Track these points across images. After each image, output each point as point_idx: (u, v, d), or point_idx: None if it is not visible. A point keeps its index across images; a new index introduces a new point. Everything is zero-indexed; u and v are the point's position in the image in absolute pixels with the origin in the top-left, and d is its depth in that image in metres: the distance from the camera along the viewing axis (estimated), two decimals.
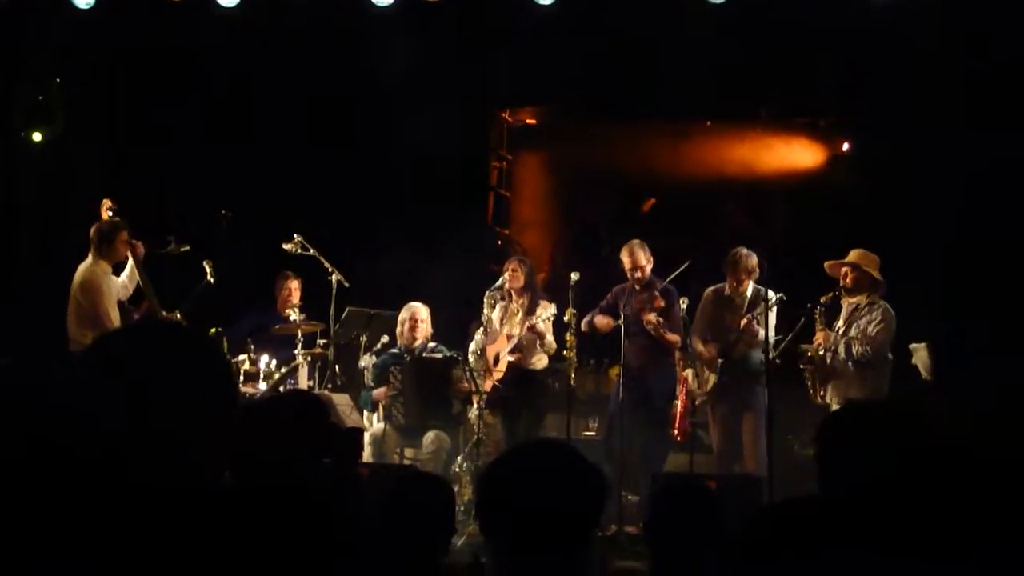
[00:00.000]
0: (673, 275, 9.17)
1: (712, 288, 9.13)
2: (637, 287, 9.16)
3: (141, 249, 8.89)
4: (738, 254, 8.95)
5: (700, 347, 8.97)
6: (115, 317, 8.53)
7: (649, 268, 9.19)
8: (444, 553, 4.15)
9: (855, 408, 2.65)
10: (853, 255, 8.54)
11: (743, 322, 8.75)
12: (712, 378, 8.91)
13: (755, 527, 2.57)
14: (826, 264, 8.69)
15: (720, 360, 8.87)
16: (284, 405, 3.87)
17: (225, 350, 9.18)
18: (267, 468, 3.27)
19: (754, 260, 8.92)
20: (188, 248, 9.20)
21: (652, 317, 8.96)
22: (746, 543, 2.53)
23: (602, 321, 9.17)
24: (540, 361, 9.37)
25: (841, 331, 8.48)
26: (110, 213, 8.84)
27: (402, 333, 9.52)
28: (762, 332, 8.59)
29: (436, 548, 4.03)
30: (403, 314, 9.54)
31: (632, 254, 9.18)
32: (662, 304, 9.00)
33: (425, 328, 9.54)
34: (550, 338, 9.25)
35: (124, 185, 9.74)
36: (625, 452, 8.79)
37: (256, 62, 10.73)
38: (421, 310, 9.54)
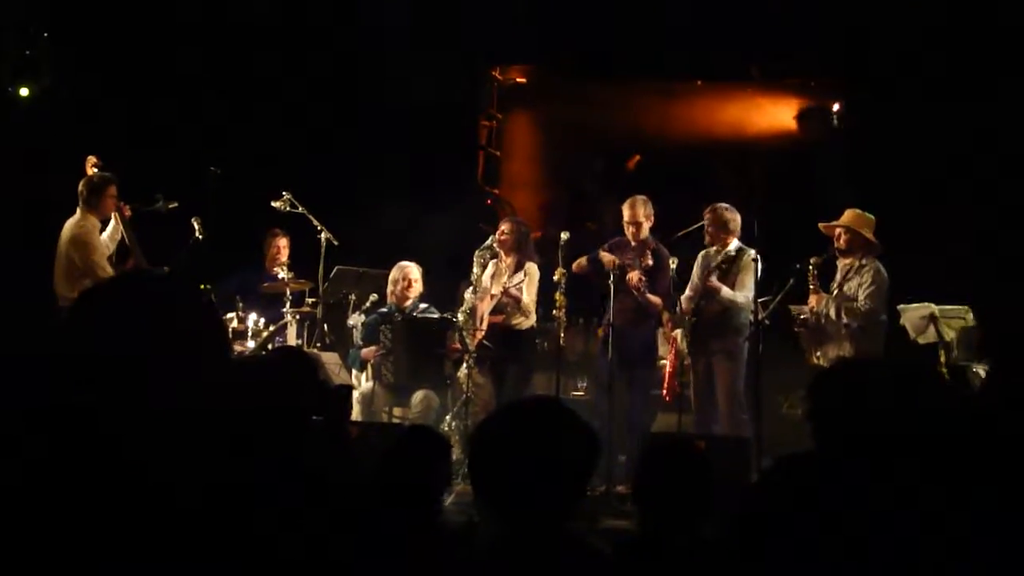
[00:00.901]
0: (683, 232, 9.09)
1: (704, 251, 9.10)
2: (633, 242, 9.11)
3: (128, 211, 8.84)
4: (715, 209, 8.90)
5: (681, 306, 8.95)
6: (108, 271, 8.47)
7: (647, 227, 9.11)
8: (439, 511, 4.15)
9: (845, 366, 2.65)
10: (847, 216, 8.52)
11: (703, 279, 8.71)
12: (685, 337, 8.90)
13: (754, 493, 2.56)
14: (820, 225, 8.66)
15: (693, 319, 8.82)
16: (274, 362, 3.85)
17: None
18: (261, 424, 3.25)
19: (732, 215, 8.83)
20: (176, 205, 9.16)
21: (635, 276, 8.87)
22: (744, 508, 2.52)
23: (608, 256, 9.06)
24: (525, 321, 9.31)
25: (835, 293, 8.47)
26: (95, 170, 8.79)
27: (393, 292, 9.50)
28: (726, 290, 8.56)
29: (433, 504, 4.04)
30: (395, 273, 9.52)
31: (632, 207, 9.11)
32: (650, 263, 8.94)
33: (417, 287, 9.52)
34: (527, 300, 9.15)
35: (111, 141, 9.66)
36: (614, 412, 8.79)
37: (246, 15, 10.65)
38: (413, 269, 9.52)
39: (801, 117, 11.90)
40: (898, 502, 2.18)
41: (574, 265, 9.05)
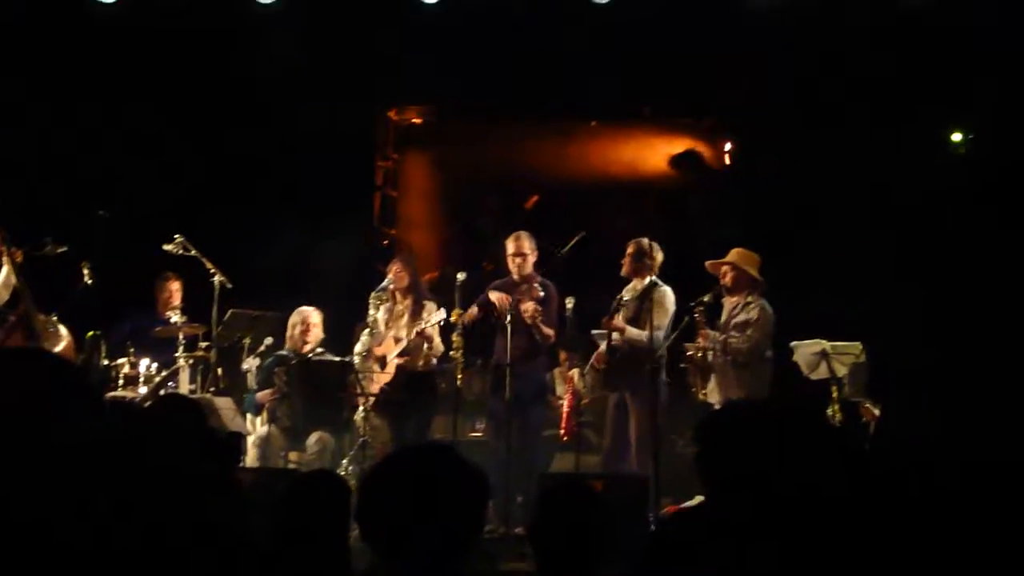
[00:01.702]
0: (568, 246, 9.07)
1: (628, 286, 9.09)
2: (516, 277, 9.09)
3: (20, 256, 8.66)
4: (638, 241, 8.91)
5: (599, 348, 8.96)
6: None
7: (532, 260, 9.11)
8: (342, 554, 4.09)
9: (730, 411, 2.66)
10: (732, 254, 8.63)
11: (605, 319, 8.74)
12: (590, 380, 8.92)
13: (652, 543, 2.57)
14: (707, 264, 8.76)
15: (607, 356, 8.83)
16: (160, 411, 3.78)
17: (104, 353, 9.01)
18: (147, 476, 3.18)
19: (653, 251, 8.80)
20: (65, 249, 8.98)
21: (530, 306, 8.84)
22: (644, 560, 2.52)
23: (497, 295, 8.97)
24: (427, 362, 9.27)
25: (722, 329, 8.56)
26: None
27: (292, 336, 9.41)
28: (631, 330, 8.60)
29: (335, 547, 3.98)
30: (294, 318, 9.45)
31: (517, 239, 9.13)
32: (540, 295, 8.94)
33: (317, 332, 9.45)
34: (438, 341, 9.13)
35: None
36: (512, 452, 8.75)
37: (135, 56, 10.52)
38: (313, 314, 9.45)
39: (674, 162, 12.10)
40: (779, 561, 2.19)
41: (465, 317, 8.96)
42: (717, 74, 10.40)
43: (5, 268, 8.62)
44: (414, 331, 9.04)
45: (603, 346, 8.86)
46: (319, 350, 9.42)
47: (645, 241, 8.86)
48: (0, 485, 1.81)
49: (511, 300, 8.88)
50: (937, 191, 9.78)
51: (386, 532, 2.52)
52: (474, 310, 9.05)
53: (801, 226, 9.96)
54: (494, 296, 9.01)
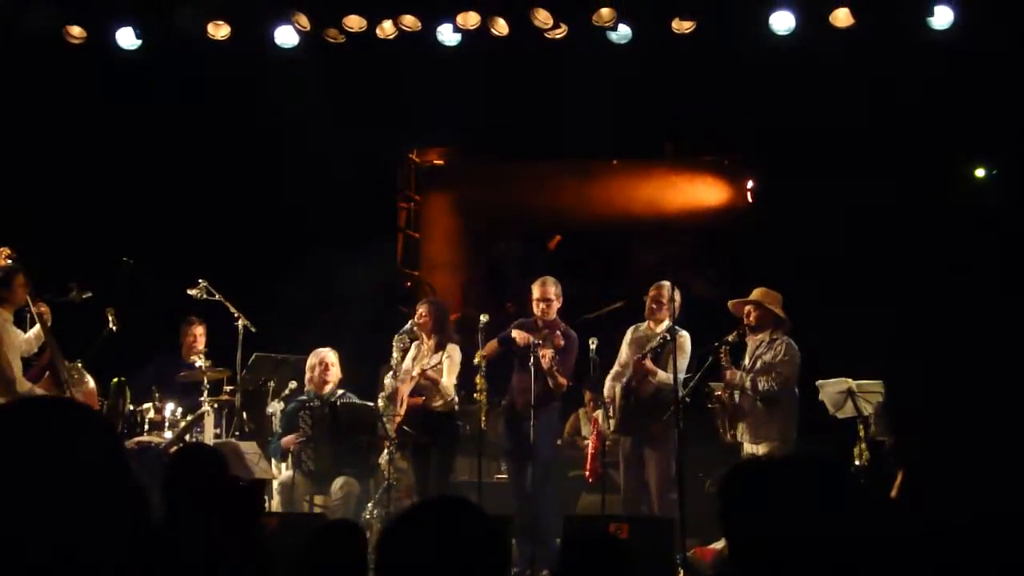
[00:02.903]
0: (594, 314, 9.11)
1: (633, 326, 9.12)
2: (541, 321, 9.10)
3: (46, 309, 8.70)
4: (664, 284, 8.91)
5: (607, 386, 8.96)
6: (17, 367, 8.31)
7: (556, 306, 9.12)
8: None
9: (750, 466, 2.64)
10: (756, 293, 8.61)
11: (636, 361, 8.74)
12: (609, 420, 8.90)
13: None
14: (730, 303, 8.74)
15: (622, 400, 8.83)
16: (176, 465, 3.78)
17: (129, 398, 9.03)
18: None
19: (675, 295, 8.75)
20: (90, 295, 9.04)
21: (548, 354, 8.86)
22: None
23: (521, 334, 9.01)
24: (444, 403, 9.21)
25: (747, 369, 8.53)
26: (8, 262, 8.66)
27: (311, 379, 9.40)
28: (662, 373, 8.59)
29: None
30: (312, 359, 9.43)
31: (543, 285, 9.13)
32: (561, 343, 8.95)
33: (335, 372, 9.43)
34: (445, 382, 9.06)
35: (24, 232, 9.54)
36: (526, 495, 8.72)
37: (158, 103, 10.60)
38: (330, 354, 9.44)
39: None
40: None
41: (485, 349, 8.97)
42: (739, 111, 10.39)
43: (37, 326, 8.67)
44: (416, 371, 9.02)
45: (618, 389, 8.86)
46: (340, 392, 9.41)
47: (667, 285, 8.86)
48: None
49: (532, 342, 8.87)
50: (961, 226, 9.73)
51: None
52: (494, 344, 9.06)
53: (823, 263, 9.91)
54: (516, 334, 9.02)
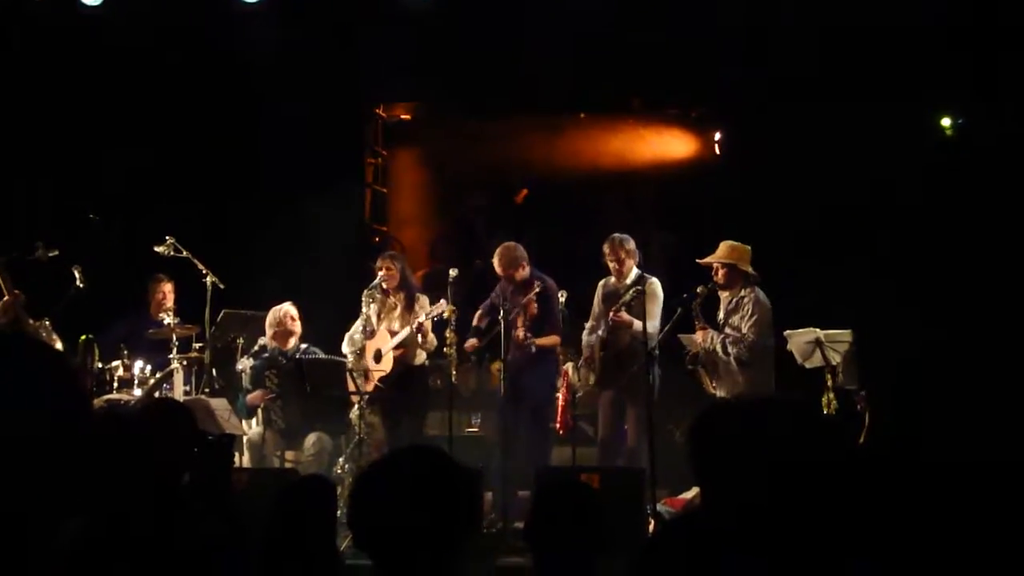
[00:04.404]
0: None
1: (603, 280, 9.13)
2: (511, 290, 9.13)
3: (22, 297, 8.66)
4: (612, 238, 8.96)
5: (584, 343, 9.00)
6: None
7: (524, 271, 9.13)
8: (333, 557, 4.10)
9: (720, 408, 2.64)
10: (722, 249, 8.55)
11: (612, 313, 8.76)
12: (590, 375, 8.92)
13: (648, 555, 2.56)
14: (698, 261, 8.70)
15: (601, 352, 8.86)
16: (143, 417, 3.76)
17: (97, 356, 8.99)
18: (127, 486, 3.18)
19: (630, 243, 8.90)
20: (56, 253, 8.97)
21: (521, 333, 8.92)
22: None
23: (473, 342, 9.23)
24: (419, 357, 9.26)
25: (721, 323, 8.54)
26: None
27: (274, 335, 9.36)
28: (637, 322, 8.60)
29: (326, 551, 3.99)
30: (271, 316, 9.36)
31: (503, 256, 9.16)
32: (535, 310, 8.97)
33: (296, 326, 9.38)
34: (432, 335, 9.16)
35: None
36: (512, 447, 8.77)
37: (119, 56, 10.49)
38: (289, 308, 9.38)
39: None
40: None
41: (466, 346, 9.20)
42: (705, 64, 10.37)
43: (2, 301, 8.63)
44: (415, 323, 9.01)
45: (595, 339, 8.89)
46: (303, 346, 9.38)
47: (617, 237, 8.95)
48: None
49: (511, 307, 8.93)
50: (927, 176, 9.76)
51: (378, 537, 2.51)
52: (474, 342, 9.21)
53: (792, 214, 9.93)
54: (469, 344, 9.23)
